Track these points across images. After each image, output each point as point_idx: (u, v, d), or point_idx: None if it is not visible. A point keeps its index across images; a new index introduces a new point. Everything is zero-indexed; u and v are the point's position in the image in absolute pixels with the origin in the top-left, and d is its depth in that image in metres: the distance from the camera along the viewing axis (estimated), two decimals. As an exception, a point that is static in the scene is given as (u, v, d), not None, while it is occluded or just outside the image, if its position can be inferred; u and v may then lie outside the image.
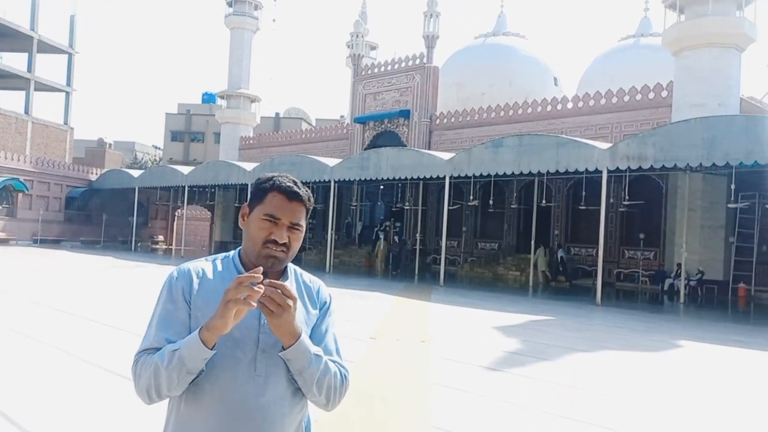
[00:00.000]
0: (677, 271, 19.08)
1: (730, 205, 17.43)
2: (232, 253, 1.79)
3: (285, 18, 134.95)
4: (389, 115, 30.24)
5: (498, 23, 34.73)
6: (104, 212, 37.73)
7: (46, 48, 42.98)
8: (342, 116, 55.13)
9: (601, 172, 16.25)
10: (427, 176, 20.88)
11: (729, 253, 19.77)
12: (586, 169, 16.80)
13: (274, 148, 36.36)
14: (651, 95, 21.85)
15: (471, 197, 22.22)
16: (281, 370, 1.65)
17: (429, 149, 26.07)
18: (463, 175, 19.65)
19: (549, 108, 24.80)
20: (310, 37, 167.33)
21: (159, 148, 67.33)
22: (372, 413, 5.34)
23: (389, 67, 30.95)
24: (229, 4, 38.58)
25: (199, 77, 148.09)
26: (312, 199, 1.76)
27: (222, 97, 39.95)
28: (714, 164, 14.52)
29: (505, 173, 18.60)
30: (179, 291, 1.67)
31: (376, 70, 31.74)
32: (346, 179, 23.55)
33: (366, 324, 10.45)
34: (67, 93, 44.62)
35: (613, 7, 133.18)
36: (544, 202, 21.31)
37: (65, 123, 44.38)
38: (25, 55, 42.39)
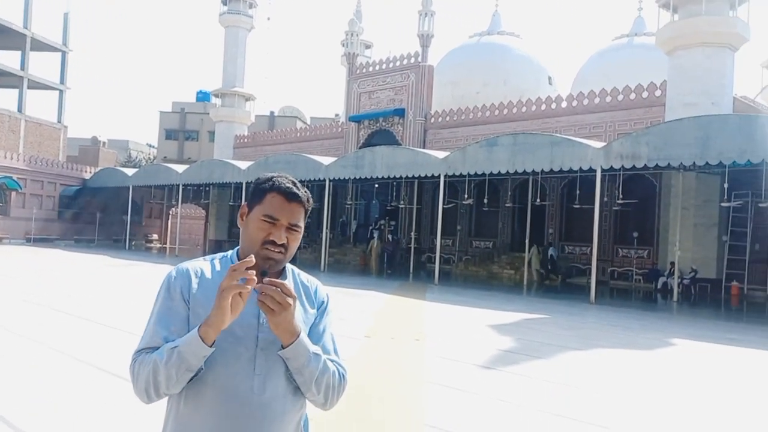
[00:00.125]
0: (671, 270, 19.16)
1: (723, 204, 17.53)
2: (230, 252, 1.79)
3: (280, 16, 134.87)
4: (384, 113, 30.25)
5: (492, 22, 34.78)
6: (98, 211, 37.59)
7: (40, 46, 42.78)
8: (337, 115, 55.01)
9: (595, 171, 16.30)
10: (422, 175, 20.91)
11: (722, 251, 19.87)
12: (580, 168, 16.85)
13: (268, 146, 36.31)
14: (645, 94, 21.92)
15: (466, 196, 22.24)
16: (280, 369, 1.65)
17: (424, 148, 26.09)
18: (457, 173, 19.69)
19: (543, 107, 24.86)
20: (305, 35, 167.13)
21: (153, 147, 67.14)
22: (366, 411, 5.36)
23: (384, 66, 30.95)
24: (224, 3, 38.48)
25: (193, 75, 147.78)
26: (311, 200, 1.76)
27: (216, 96, 39.86)
28: (707, 163, 14.59)
29: (499, 172, 18.64)
30: (177, 290, 1.67)
31: (371, 69, 31.73)
32: (341, 178, 23.55)
33: (360, 322, 10.46)
34: (61, 91, 44.41)
35: (607, 6, 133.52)
36: (538, 200, 21.38)
37: (59, 121, 44.19)
38: (18, 52, 42.15)
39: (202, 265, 1.74)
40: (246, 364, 1.64)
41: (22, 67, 41.40)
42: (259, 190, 1.71)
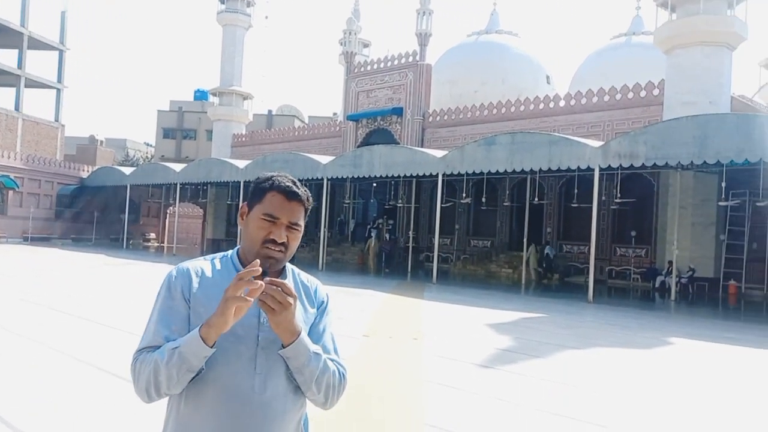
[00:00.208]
0: (668, 269, 19.18)
1: (720, 203, 17.54)
2: (230, 252, 1.80)
3: (277, 15, 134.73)
4: (382, 112, 30.23)
5: (491, 21, 34.77)
6: (95, 210, 37.53)
7: (37, 44, 42.68)
8: (335, 114, 55.03)
9: (593, 169, 16.30)
10: (420, 174, 20.91)
11: (720, 250, 19.90)
12: (579, 167, 16.84)
13: (266, 145, 36.28)
14: (643, 93, 21.93)
15: (464, 195, 22.24)
16: (281, 368, 1.66)
17: (422, 147, 26.08)
18: (455, 172, 19.69)
19: (541, 106, 24.86)
20: (303, 34, 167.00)
21: (151, 146, 67.07)
22: (366, 411, 5.35)
23: (382, 65, 30.92)
24: (222, 1, 38.43)
25: (191, 74, 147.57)
26: (311, 199, 1.77)
27: (214, 95, 39.83)
28: (705, 162, 14.61)
29: (497, 171, 18.65)
30: (178, 290, 1.68)
31: (369, 68, 31.71)
32: (339, 177, 23.53)
33: (359, 321, 10.46)
34: (58, 90, 44.33)
35: (606, 5, 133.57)
36: (536, 199, 21.37)
37: (56, 120, 44.11)
38: (16, 51, 42.06)
39: (203, 265, 1.74)
40: (247, 364, 1.64)
41: (20, 66, 41.31)
42: (259, 189, 1.72)
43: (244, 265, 1.70)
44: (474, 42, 33.61)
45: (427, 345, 8.77)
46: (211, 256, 1.80)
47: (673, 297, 17.73)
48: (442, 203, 20.43)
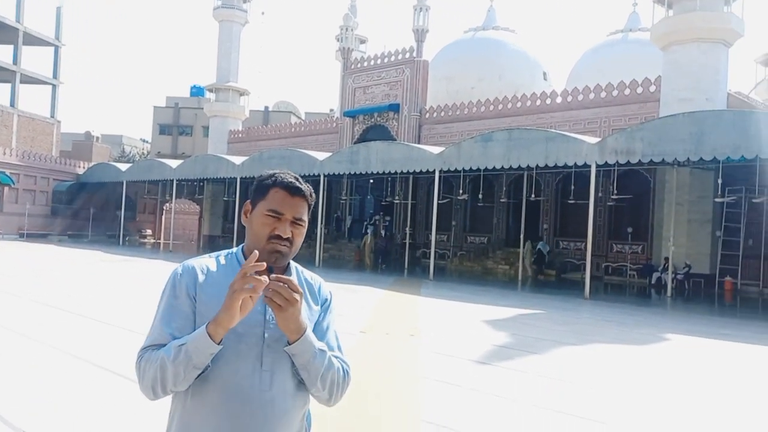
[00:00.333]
0: (665, 265, 19.22)
1: (717, 200, 17.58)
2: (235, 249, 1.81)
3: (274, 11, 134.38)
4: (379, 108, 30.20)
5: (487, 17, 34.73)
6: (91, 206, 37.45)
7: (32, 40, 42.53)
8: (331, 110, 54.95)
9: (589, 166, 16.32)
10: (417, 170, 20.91)
11: (716, 246, 19.94)
12: (575, 164, 16.86)
13: (263, 141, 36.24)
14: (639, 90, 21.95)
15: (460, 191, 22.24)
16: (286, 365, 1.67)
17: (419, 143, 26.07)
18: (452, 169, 19.69)
19: (538, 102, 24.86)
20: (299, 30, 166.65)
21: (147, 142, 66.90)
22: (363, 407, 5.35)
23: (379, 61, 30.88)
24: (218, -3, 38.33)
25: (187, 70, 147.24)
26: (313, 195, 1.79)
27: (210, 91, 39.74)
28: (701, 159, 14.63)
29: (494, 167, 18.64)
30: (183, 287, 1.68)
31: (365, 64, 31.66)
32: (336, 173, 23.50)
33: (356, 318, 10.45)
34: (54, 86, 44.20)
35: (602, 1, 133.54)
36: (533, 196, 21.38)
37: (52, 116, 43.98)
38: (11, 47, 41.93)
39: (208, 262, 1.75)
40: (253, 361, 1.65)
41: (15, 62, 41.17)
42: (263, 186, 1.73)
43: None
44: (471, 38, 33.58)
45: (424, 341, 8.77)
46: (216, 253, 1.81)
47: (669, 293, 17.77)
48: (438, 200, 20.43)
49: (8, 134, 39.90)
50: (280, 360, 1.66)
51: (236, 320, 1.52)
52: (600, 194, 20.21)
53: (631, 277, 22.32)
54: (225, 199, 33.61)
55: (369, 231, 28.15)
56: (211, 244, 35.84)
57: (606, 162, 16.13)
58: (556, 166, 17.70)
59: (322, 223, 24.27)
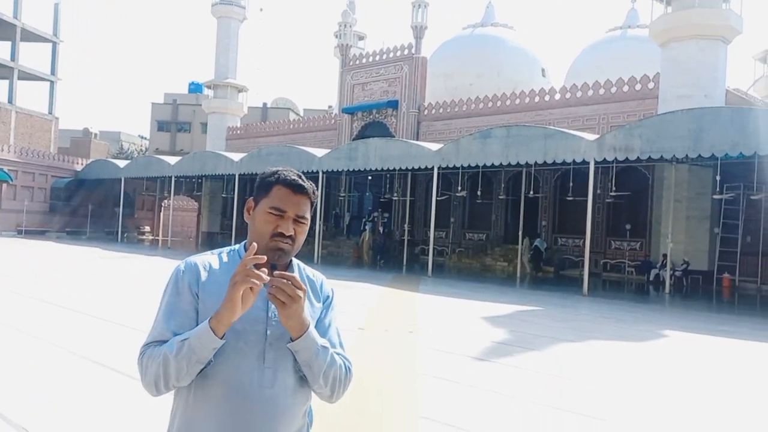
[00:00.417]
0: (663, 262, 19.25)
1: (715, 196, 17.58)
2: (237, 246, 1.82)
3: (272, 7, 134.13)
4: (377, 105, 30.17)
5: (486, 14, 34.69)
6: (90, 203, 37.40)
7: (30, 36, 42.41)
8: (330, 106, 54.93)
9: (588, 163, 16.33)
10: (416, 167, 20.90)
11: (714, 243, 19.97)
12: (574, 160, 16.87)
13: (261, 138, 36.19)
14: (638, 87, 21.94)
15: (459, 188, 22.23)
16: (288, 362, 1.68)
17: (417, 140, 26.06)
18: (451, 165, 19.68)
19: (537, 99, 24.84)
20: (298, 26, 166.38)
21: (145, 138, 66.79)
22: (363, 404, 5.35)
23: (377, 58, 30.84)
24: (216, -7, 38.21)
25: (185, 67, 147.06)
26: (316, 193, 1.79)
27: (209, 87, 39.66)
28: (700, 156, 14.62)
29: (493, 164, 18.65)
30: (186, 284, 1.69)
31: (364, 61, 31.62)
32: (334, 170, 23.49)
33: (354, 315, 10.46)
34: (52, 82, 44.08)
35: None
36: (531, 192, 21.38)
37: (50, 112, 43.89)
38: (9, 43, 41.80)
39: (210, 259, 1.76)
40: (255, 358, 1.66)
41: (12, 58, 41.05)
42: (265, 183, 1.74)
43: None
44: (469, 35, 33.54)
45: (423, 338, 8.78)
46: (218, 250, 1.82)
47: (667, 290, 17.79)
48: (437, 196, 20.43)
49: (6, 131, 39.82)
50: (283, 357, 1.67)
51: (238, 314, 1.52)
52: (598, 191, 20.20)
53: (630, 273, 22.35)
54: (223, 195, 33.57)
55: (367, 228, 28.15)
56: (209, 241, 35.84)
57: (604, 159, 16.14)
58: (554, 163, 17.71)
59: (320, 219, 24.27)
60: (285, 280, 1.52)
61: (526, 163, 18.03)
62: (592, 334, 10.15)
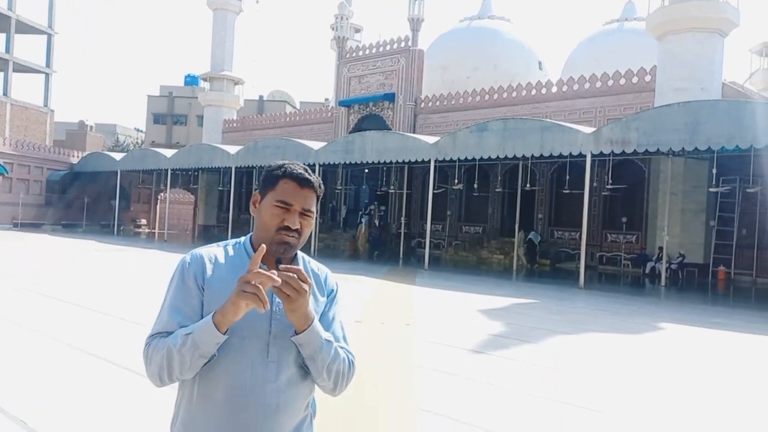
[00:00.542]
0: (659, 255, 19.30)
1: (711, 189, 17.63)
2: (243, 239, 1.82)
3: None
4: (374, 98, 30.10)
5: (483, 6, 34.60)
6: (85, 196, 37.30)
7: (25, 28, 42.20)
8: (326, 99, 54.74)
9: (584, 156, 16.34)
10: (412, 160, 20.90)
11: (710, 236, 20.03)
12: (570, 153, 16.87)
13: (257, 131, 36.10)
14: (635, 79, 21.93)
15: (456, 181, 22.23)
16: (292, 355, 1.68)
17: (414, 133, 26.03)
18: (447, 158, 19.68)
19: (534, 92, 24.81)
20: (294, 19, 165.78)
21: (141, 131, 66.56)
22: (360, 397, 5.37)
23: (374, 50, 30.74)
24: (212, -15, 38.03)
25: (181, 59, 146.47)
26: (322, 186, 1.80)
27: (205, 80, 39.52)
28: (696, 149, 14.65)
29: (489, 157, 18.64)
30: (191, 276, 1.69)
31: (360, 53, 31.53)
32: (331, 163, 23.46)
33: (351, 307, 10.47)
34: (47, 74, 43.91)
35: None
36: (528, 185, 21.39)
37: (45, 105, 43.73)
38: (3, 35, 41.60)
39: (216, 251, 1.77)
40: (260, 351, 1.66)
41: (7, 50, 40.86)
42: (272, 176, 1.74)
43: None
44: (466, 27, 33.46)
45: (420, 331, 8.81)
46: (224, 242, 1.82)
47: (663, 283, 17.86)
48: (434, 189, 20.44)
49: (1, 123, 39.67)
50: (286, 350, 1.67)
51: (241, 314, 1.53)
52: (595, 184, 20.19)
53: (626, 266, 22.41)
54: (220, 188, 33.49)
55: (364, 221, 28.13)
56: (205, 234, 35.80)
57: (601, 152, 16.14)
58: (551, 156, 17.71)
59: (317, 212, 24.22)
60: (291, 274, 1.52)
61: (523, 156, 18.02)
62: (588, 326, 10.19)
